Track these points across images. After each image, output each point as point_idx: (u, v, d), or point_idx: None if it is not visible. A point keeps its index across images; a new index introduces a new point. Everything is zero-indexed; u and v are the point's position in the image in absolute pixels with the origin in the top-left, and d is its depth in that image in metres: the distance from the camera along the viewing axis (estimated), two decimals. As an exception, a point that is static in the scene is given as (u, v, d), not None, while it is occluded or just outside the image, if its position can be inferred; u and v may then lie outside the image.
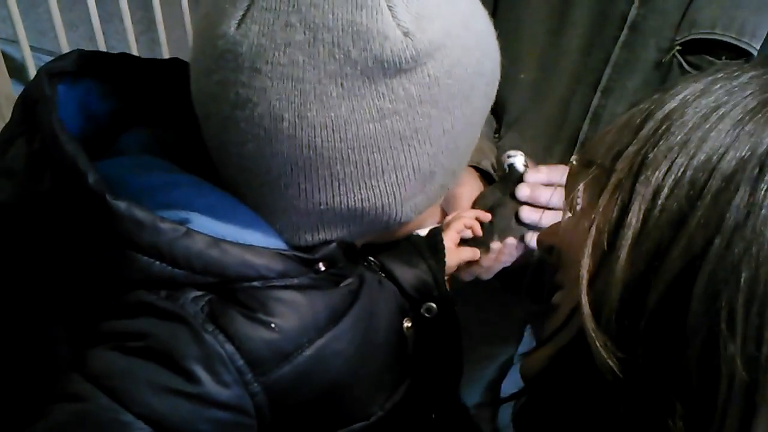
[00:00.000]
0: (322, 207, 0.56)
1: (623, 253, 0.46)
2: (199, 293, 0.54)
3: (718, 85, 0.47)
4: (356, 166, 0.54)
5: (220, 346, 0.52)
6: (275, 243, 0.58)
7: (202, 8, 0.55)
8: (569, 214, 0.55)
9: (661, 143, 0.47)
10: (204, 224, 0.54)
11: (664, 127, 0.47)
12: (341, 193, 0.55)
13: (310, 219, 0.58)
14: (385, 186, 0.56)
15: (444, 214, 0.91)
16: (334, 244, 0.60)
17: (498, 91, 0.62)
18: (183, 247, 0.52)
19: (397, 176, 0.56)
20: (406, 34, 0.50)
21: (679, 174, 0.45)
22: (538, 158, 0.94)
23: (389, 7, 0.49)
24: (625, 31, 0.91)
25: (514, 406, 0.61)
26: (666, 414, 0.44)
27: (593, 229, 0.49)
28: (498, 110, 1.06)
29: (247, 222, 0.57)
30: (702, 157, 0.44)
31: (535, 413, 0.59)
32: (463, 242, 0.88)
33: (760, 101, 0.45)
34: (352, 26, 0.49)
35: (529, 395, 0.60)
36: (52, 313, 0.55)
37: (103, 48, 1.90)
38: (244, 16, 0.50)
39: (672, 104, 0.48)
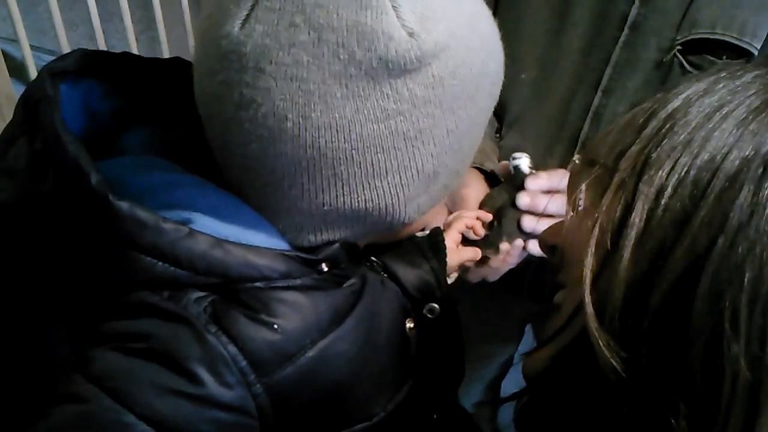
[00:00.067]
0: (325, 207, 0.56)
1: (626, 253, 0.46)
2: (201, 294, 0.54)
3: (722, 85, 0.47)
4: (360, 167, 0.54)
5: (223, 348, 0.52)
6: (278, 243, 0.58)
7: (206, 8, 0.55)
8: (572, 214, 0.55)
9: (664, 142, 0.46)
10: (207, 225, 0.54)
11: (667, 127, 0.47)
12: (345, 193, 0.55)
13: (313, 219, 0.58)
14: (389, 186, 0.56)
15: (450, 215, 0.92)
16: (337, 245, 0.60)
17: (499, 91, 0.62)
18: (186, 247, 0.51)
19: (400, 177, 0.56)
20: (411, 34, 0.50)
21: (683, 173, 0.45)
22: (539, 158, 0.94)
23: (394, 8, 0.49)
24: (626, 31, 0.91)
25: (515, 406, 0.61)
26: (669, 414, 0.44)
27: (596, 229, 0.49)
28: (499, 110, 1.06)
29: (250, 222, 0.57)
30: (705, 157, 0.44)
31: (538, 413, 0.59)
32: (472, 244, 0.88)
33: (763, 100, 0.45)
34: (356, 27, 0.49)
35: (531, 395, 0.60)
36: (52, 312, 0.55)
37: (103, 47, 1.90)
38: (248, 16, 0.50)
39: (675, 103, 0.48)
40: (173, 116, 0.65)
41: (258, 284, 0.55)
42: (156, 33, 2.05)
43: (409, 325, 0.67)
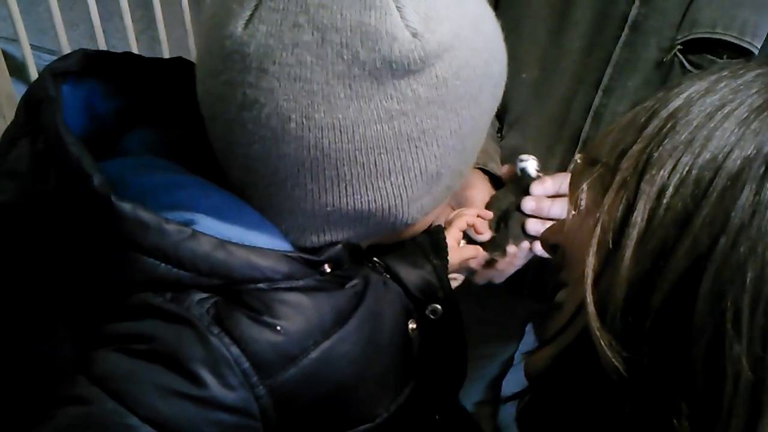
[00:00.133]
0: (328, 208, 0.56)
1: (628, 252, 0.46)
2: (204, 295, 0.53)
3: (723, 84, 0.47)
4: (363, 168, 0.54)
5: (226, 349, 0.52)
6: (281, 245, 0.58)
7: (209, 8, 0.55)
8: (573, 213, 0.55)
9: (666, 142, 0.46)
10: (209, 226, 0.54)
11: (669, 126, 0.47)
12: (348, 194, 0.55)
13: (316, 220, 0.58)
14: (392, 187, 0.56)
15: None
16: (339, 246, 0.59)
17: (500, 90, 0.62)
18: (188, 249, 0.51)
19: (404, 177, 0.56)
20: (414, 35, 0.49)
21: (684, 173, 0.45)
22: (540, 157, 0.95)
23: (398, 8, 0.49)
24: (626, 30, 0.91)
25: (517, 405, 0.61)
26: (671, 414, 0.44)
27: (598, 228, 0.49)
28: (500, 110, 1.06)
29: (253, 223, 0.57)
30: (707, 156, 0.44)
31: (539, 412, 0.59)
32: (479, 246, 0.89)
33: (765, 99, 0.45)
34: (360, 27, 0.48)
35: (533, 394, 0.60)
36: (54, 311, 0.55)
37: (103, 46, 1.90)
38: (251, 16, 0.50)
39: (677, 102, 0.48)
40: (175, 116, 0.65)
41: (261, 285, 0.55)
42: (156, 32, 2.05)
43: (412, 325, 0.67)
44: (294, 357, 0.55)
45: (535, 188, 0.90)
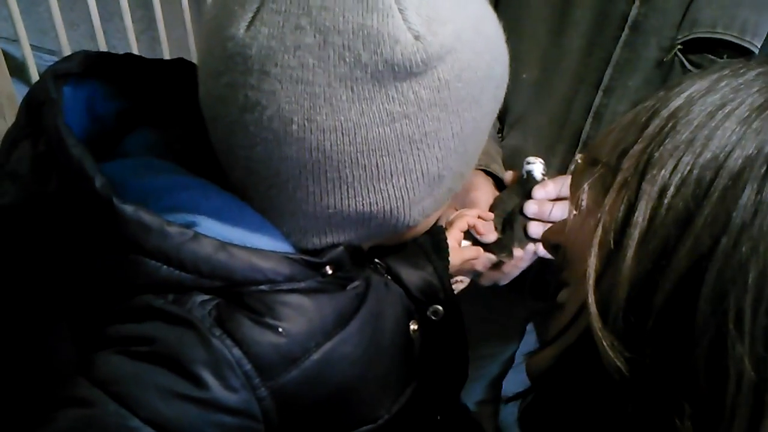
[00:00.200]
0: (330, 210, 0.56)
1: (630, 252, 0.46)
2: (206, 297, 0.53)
3: (724, 83, 0.47)
4: (365, 170, 0.53)
5: (228, 351, 0.52)
6: (282, 246, 0.57)
7: (211, 10, 0.54)
8: (575, 213, 0.55)
9: (667, 141, 0.46)
10: (211, 228, 0.54)
11: (669, 125, 0.47)
12: (350, 196, 0.55)
13: (318, 222, 0.58)
14: (394, 190, 0.56)
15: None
16: (341, 248, 0.59)
17: (501, 91, 0.62)
18: (190, 251, 0.51)
19: (405, 180, 0.56)
20: (417, 37, 0.49)
21: (686, 172, 0.45)
22: (540, 157, 0.95)
23: (400, 11, 0.49)
24: (626, 30, 0.91)
25: (519, 405, 0.61)
26: (674, 414, 0.44)
27: (599, 228, 0.48)
28: (500, 110, 1.06)
29: (254, 225, 0.56)
30: (708, 156, 0.44)
31: (541, 412, 0.59)
32: (486, 248, 0.89)
33: (766, 98, 0.45)
34: (362, 29, 0.48)
35: (535, 394, 0.60)
36: (56, 310, 0.55)
37: (103, 46, 1.90)
38: (253, 18, 0.50)
39: (677, 102, 0.48)
40: (176, 118, 0.65)
41: (262, 287, 0.55)
42: (156, 33, 2.05)
43: (413, 327, 0.67)
44: (296, 358, 0.55)
45: (537, 192, 0.90)
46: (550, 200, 0.90)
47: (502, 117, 1.07)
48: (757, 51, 0.84)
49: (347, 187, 0.54)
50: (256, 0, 0.50)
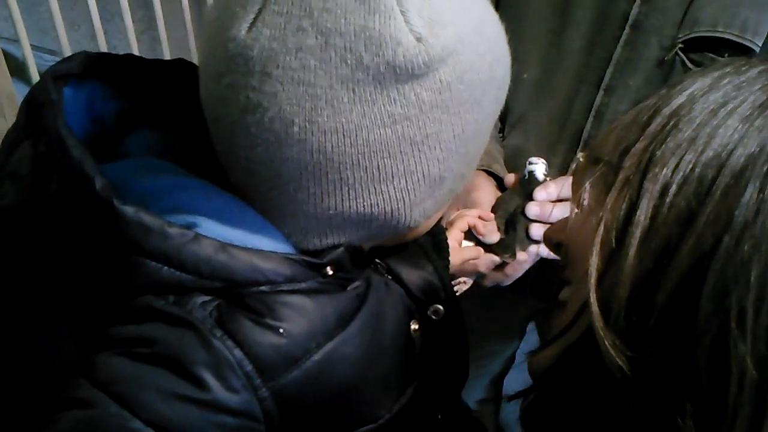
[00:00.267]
0: (331, 212, 0.56)
1: (632, 251, 0.46)
2: (206, 298, 0.53)
3: (726, 81, 0.47)
4: (366, 171, 0.53)
5: (229, 352, 0.52)
6: (283, 247, 0.57)
7: (212, 11, 0.54)
8: (576, 211, 0.55)
9: (668, 139, 0.46)
10: (211, 228, 0.54)
11: (671, 123, 0.47)
12: (351, 198, 0.55)
13: (318, 223, 0.57)
14: (395, 191, 0.56)
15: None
16: (342, 249, 0.59)
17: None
18: (191, 252, 0.51)
19: (406, 181, 0.55)
20: (418, 39, 0.49)
21: (688, 170, 0.44)
22: (542, 157, 0.95)
23: (402, 13, 0.49)
24: (627, 29, 0.91)
25: (521, 404, 0.61)
26: (676, 413, 0.44)
27: (601, 227, 0.48)
28: (502, 110, 1.06)
29: (255, 226, 0.56)
30: (710, 154, 0.44)
31: (543, 411, 0.59)
32: (489, 249, 0.89)
33: None
34: (364, 31, 0.48)
35: (536, 393, 0.60)
36: (57, 310, 0.55)
37: (104, 47, 1.90)
38: (255, 19, 0.50)
39: (679, 100, 0.48)
40: (177, 118, 0.65)
41: (263, 288, 0.55)
42: (157, 33, 2.05)
43: (414, 326, 0.67)
44: (297, 359, 0.55)
45: (539, 193, 0.90)
46: (551, 201, 0.90)
47: (504, 117, 1.07)
48: (758, 50, 0.84)
49: (348, 188, 0.54)
50: (257, 1, 0.50)
